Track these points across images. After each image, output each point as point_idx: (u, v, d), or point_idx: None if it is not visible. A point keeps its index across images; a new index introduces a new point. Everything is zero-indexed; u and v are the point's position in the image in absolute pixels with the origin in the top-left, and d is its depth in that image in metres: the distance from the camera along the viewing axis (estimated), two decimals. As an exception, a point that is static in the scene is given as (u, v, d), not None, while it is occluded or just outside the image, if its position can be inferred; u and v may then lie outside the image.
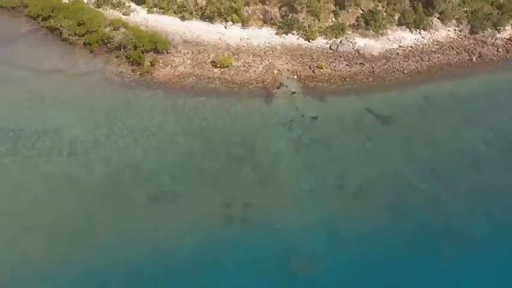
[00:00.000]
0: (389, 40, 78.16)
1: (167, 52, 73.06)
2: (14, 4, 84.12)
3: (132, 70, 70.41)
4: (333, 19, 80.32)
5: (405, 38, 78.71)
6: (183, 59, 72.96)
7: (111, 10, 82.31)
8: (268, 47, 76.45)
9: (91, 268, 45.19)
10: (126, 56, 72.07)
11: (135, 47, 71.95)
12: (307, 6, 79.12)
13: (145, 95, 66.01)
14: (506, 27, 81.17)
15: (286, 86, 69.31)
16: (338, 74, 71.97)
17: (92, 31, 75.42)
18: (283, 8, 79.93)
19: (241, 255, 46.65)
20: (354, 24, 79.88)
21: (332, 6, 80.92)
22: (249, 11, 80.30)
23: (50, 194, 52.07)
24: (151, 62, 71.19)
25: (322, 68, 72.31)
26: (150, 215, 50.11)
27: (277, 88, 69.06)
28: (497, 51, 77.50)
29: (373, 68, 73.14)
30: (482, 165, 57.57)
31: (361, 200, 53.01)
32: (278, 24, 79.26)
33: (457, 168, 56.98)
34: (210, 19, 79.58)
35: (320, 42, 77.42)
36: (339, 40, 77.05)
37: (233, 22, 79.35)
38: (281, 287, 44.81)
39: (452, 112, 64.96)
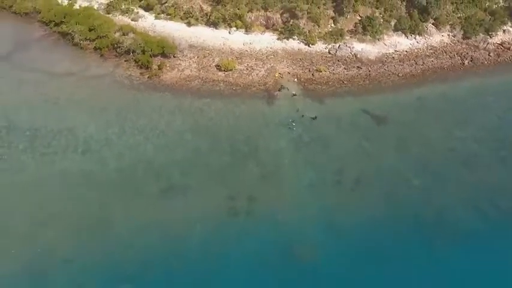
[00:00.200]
0: (386, 45, 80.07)
1: (174, 56, 75.05)
2: (27, 10, 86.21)
3: (141, 73, 72.57)
4: (332, 25, 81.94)
5: (401, 43, 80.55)
6: (189, 62, 74.95)
7: (120, 16, 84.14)
8: (270, 51, 78.19)
9: (107, 254, 47.91)
10: (135, 60, 74.08)
11: (143, 52, 74.09)
12: (307, 13, 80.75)
13: (154, 97, 68.20)
14: (498, 33, 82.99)
15: (287, 88, 71.11)
16: (336, 77, 73.81)
17: (102, 36, 77.63)
18: (284, 15, 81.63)
19: (246, 244, 49.20)
20: (352, 29, 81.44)
21: (331, 13, 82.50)
22: (252, 17, 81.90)
23: (66, 188, 54.57)
24: (159, 66, 73.29)
25: (321, 72, 74.25)
26: (161, 206, 52.78)
27: (279, 90, 70.96)
28: (489, 55, 79.59)
29: (369, 71, 75.09)
30: (473, 162, 59.87)
31: (358, 193, 55.44)
32: (280, 29, 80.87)
33: (448, 165, 59.26)
34: (214, 25, 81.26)
35: (319, 47, 79.18)
36: (337, 45, 78.79)
37: (237, 28, 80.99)
38: (283, 273, 47.03)
39: (445, 112, 67.13)
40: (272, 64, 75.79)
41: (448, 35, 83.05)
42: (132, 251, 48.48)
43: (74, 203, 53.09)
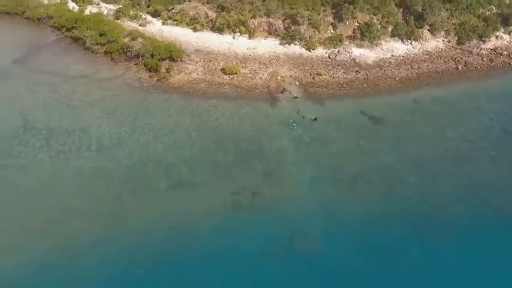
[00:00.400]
0: (383, 50, 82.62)
1: (181, 60, 78.10)
2: (40, 16, 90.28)
3: (150, 76, 75.75)
4: (332, 31, 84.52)
5: (397, 48, 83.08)
6: (196, 66, 77.90)
7: (128, 22, 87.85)
8: (273, 56, 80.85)
9: (122, 243, 51.02)
10: (144, 64, 77.41)
11: (152, 56, 77.42)
12: (308, 19, 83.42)
13: (163, 98, 71.26)
14: (491, 39, 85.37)
15: (289, 91, 73.73)
16: (336, 80, 76.41)
17: (112, 41, 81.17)
18: (286, 21, 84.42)
19: (250, 235, 52.05)
20: (350, 35, 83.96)
21: (331, 19, 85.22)
22: (255, 23, 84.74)
23: (82, 183, 57.79)
24: (167, 69, 76.45)
25: (321, 75, 76.81)
26: (170, 200, 55.89)
27: (281, 93, 73.57)
28: (482, 60, 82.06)
29: (367, 75, 77.60)
30: (464, 161, 62.44)
31: (355, 189, 58.26)
32: (282, 35, 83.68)
33: (441, 163, 61.83)
34: (219, 30, 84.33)
35: (320, 51, 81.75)
36: (336, 50, 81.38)
37: (241, 33, 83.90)
38: (285, 262, 49.75)
39: (439, 114, 69.70)
40: (274, 68, 78.47)
41: (443, 40, 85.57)
42: (145, 241, 51.46)
43: (89, 198, 56.23)
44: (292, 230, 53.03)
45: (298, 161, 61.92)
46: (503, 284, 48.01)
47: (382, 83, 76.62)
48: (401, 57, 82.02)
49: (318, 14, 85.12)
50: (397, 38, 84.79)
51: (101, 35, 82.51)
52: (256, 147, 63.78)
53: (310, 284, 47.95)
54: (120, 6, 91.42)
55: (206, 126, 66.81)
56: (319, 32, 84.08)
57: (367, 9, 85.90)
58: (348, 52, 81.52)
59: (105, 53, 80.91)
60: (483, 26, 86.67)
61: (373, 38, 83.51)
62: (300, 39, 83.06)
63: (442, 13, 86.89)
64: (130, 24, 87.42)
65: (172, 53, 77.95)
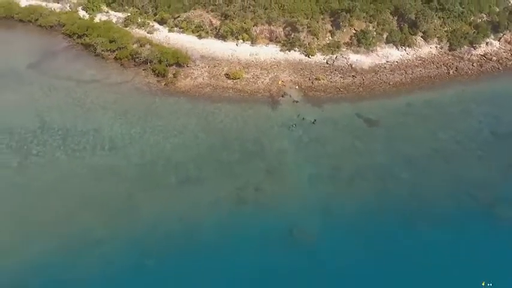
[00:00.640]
0: (378, 56, 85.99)
1: (187, 66, 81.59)
2: (52, 23, 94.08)
3: (158, 81, 79.38)
4: (330, 38, 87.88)
5: (392, 54, 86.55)
6: (201, 71, 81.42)
7: (136, 29, 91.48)
8: (274, 61, 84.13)
9: (134, 234, 54.81)
10: (152, 69, 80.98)
11: (160, 61, 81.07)
12: (307, 27, 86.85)
13: (170, 102, 74.95)
14: (481, 45, 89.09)
15: (289, 95, 77.14)
16: (333, 85, 79.81)
17: (122, 47, 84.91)
18: (286, 28, 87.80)
19: (253, 226, 55.82)
20: (347, 42, 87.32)
21: (329, 27, 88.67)
22: (257, 31, 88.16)
23: (96, 179, 61.66)
24: (174, 74, 80.00)
25: (320, 80, 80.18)
26: (179, 195, 59.73)
27: (282, 96, 76.93)
28: (472, 65, 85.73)
29: (363, 80, 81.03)
30: (453, 160, 66.15)
31: (351, 185, 62.00)
32: (282, 42, 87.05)
33: (431, 162, 65.56)
34: (223, 38, 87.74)
35: (318, 57, 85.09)
36: (334, 56, 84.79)
37: (243, 40, 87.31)
38: (285, 252, 53.38)
39: (430, 117, 73.37)
40: (276, 73, 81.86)
41: (436, 46, 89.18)
42: (155, 232, 55.26)
43: (103, 193, 60.08)
44: (291, 222, 56.81)
45: (297, 160, 65.58)
46: (485, 267, 51.53)
47: (377, 87, 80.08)
48: (396, 63, 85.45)
49: (317, 22, 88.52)
50: (391, 44, 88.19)
51: (110, 42, 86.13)
52: (258, 147, 67.40)
53: (308, 270, 51.67)
54: (129, 14, 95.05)
55: (211, 127, 70.43)
56: (317, 39, 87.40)
57: (364, 17, 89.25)
58: (345, 58, 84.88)
59: (115, 59, 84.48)
60: (474, 33, 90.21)
61: (369, 44, 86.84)
62: (300, 46, 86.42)
63: (435, 21, 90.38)
64: (138, 32, 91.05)
65: (179, 59, 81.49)
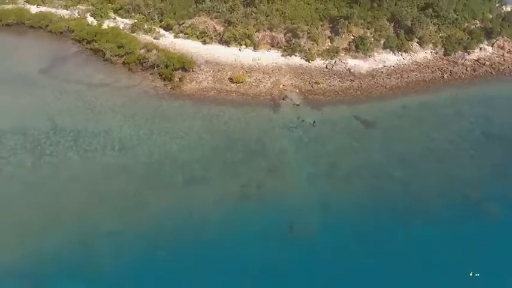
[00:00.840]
0: (376, 61, 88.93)
1: (192, 70, 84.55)
2: (61, 29, 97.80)
3: (165, 85, 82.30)
4: (329, 43, 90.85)
5: (389, 59, 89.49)
6: (206, 76, 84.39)
7: (143, 35, 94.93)
8: (275, 66, 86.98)
9: (144, 229, 57.52)
10: (159, 73, 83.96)
11: (166, 66, 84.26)
12: (307, 33, 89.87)
13: (176, 105, 77.89)
14: (475, 50, 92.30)
15: (290, 98, 79.90)
16: (332, 88, 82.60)
17: (130, 52, 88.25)
18: (287, 34, 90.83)
19: (256, 221, 58.51)
20: (346, 47, 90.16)
21: (328, 33, 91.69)
22: (259, 37, 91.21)
23: (107, 178, 64.67)
24: (179, 78, 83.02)
25: (319, 84, 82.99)
26: (186, 192, 62.53)
27: (283, 100, 79.69)
28: (466, 70, 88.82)
29: (361, 83, 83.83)
30: (446, 159, 68.80)
31: (349, 183, 64.71)
32: (283, 47, 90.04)
33: (425, 161, 68.23)
34: (227, 43, 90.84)
35: (318, 62, 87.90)
36: (333, 61, 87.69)
37: (246, 46, 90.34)
38: (285, 246, 56.21)
39: (425, 118, 76.23)
40: (277, 77, 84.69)
41: (431, 52, 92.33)
42: (164, 227, 58.25)
43: (114, 191, 63.10)
44: (292, 217, 59.67)
45: (297, 159, 68.46)
46: (473, 259, 54.56)
47: (374, 91, 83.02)
48: (392, 68, 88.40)
49: (317, 28, 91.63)
50: (388, 49, 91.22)
51: (119, 47, 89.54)
52: (260, 147, 70.35)
53: (307, 262, 54.73)
54: (135, 20, 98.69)
55: (216, 129, 73.41)
56: (317, 44, 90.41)
57: (361, 23, 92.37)
58: (344, 63, 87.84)
59: (123, 63, 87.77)
60: (468, 38, 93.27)
61: (367, 50, 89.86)
62: (300, 51, 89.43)
63: (430, 27, 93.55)
64: (145, 37, 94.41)
65: (184, 64, 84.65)
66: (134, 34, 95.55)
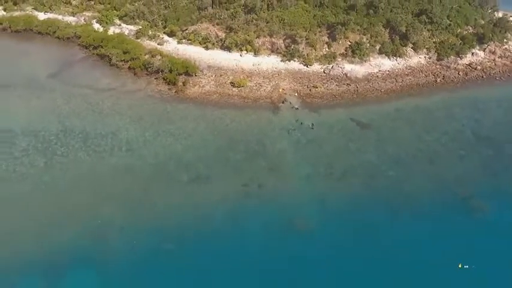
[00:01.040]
0: (371, 66, 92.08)
1: (195, 75, 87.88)
2: (69, 35, 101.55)
3: (169, 89, 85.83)
4: (327, 49, 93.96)
5: (384, 64, 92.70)
6: (208, 80, 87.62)
7: (147, 41, 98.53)
8: (275, 71, 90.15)
9: (152, 224, 61.16)
10: (163, 78, 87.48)
11: (170, 71, 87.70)
12: (306, 39, 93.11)
13: (180, 108, 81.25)
14: (467, 55, 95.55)
15: (289, 101, 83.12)
16: (329, 92, 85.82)
17: (135, 58, 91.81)
18: (286, 40, 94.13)
19: (257, 217, 62.08)
20: (343, 53, 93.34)
21: (326, 39, 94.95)
22: (260, 43, 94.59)
23: (115, 177, 68.23)
24: (183, 83, 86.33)
25: (317, 88, 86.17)
26: (190, 190, 65.95)
27: (282, 103, 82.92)
28: (458, 74, 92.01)
29: (357, 87, 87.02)
30: (436, 159, 72.04)
31: (345, 181, 68.05)
32: (283, 53, 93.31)
33: (417, 161, 71.50)
34: (228, 49, 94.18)
35: (316, 67, 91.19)
36: (331, 66, 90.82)
37: (247, 51, 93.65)
38: (285, 239, 59.46)
39: (417, 121, 79.56)
40: (277, 81, 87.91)
41: (425, 57, 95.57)
42: (171, 222, 61.74)
43: (122, 189, 66.63)
44: (291, 212, 63.17)
45: (296, 159, 71.78)
46: (461, 252, 57.86)
47: (370, 94, 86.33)
48: (387, 72, 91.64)
49: (315, 34, 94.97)
50: (384, 55, 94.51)
51: (124, 53, 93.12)
52: (261, 147, 73.68)
53: (306, 253, 58.00)
54: (140, 27, 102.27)
55: (218, 130, 76.70)
56: (315, 50, 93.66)
57: (358, 30, 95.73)
58: (341, 67, 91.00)
59: (129, 68, 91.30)
60: (460, 44, 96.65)
61: (363, 55, 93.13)
62: (299, 57, 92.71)
63: (424, 33, 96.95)
64: (149, 43, 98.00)
65: (188, 69, 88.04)
66: (139, 40, 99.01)
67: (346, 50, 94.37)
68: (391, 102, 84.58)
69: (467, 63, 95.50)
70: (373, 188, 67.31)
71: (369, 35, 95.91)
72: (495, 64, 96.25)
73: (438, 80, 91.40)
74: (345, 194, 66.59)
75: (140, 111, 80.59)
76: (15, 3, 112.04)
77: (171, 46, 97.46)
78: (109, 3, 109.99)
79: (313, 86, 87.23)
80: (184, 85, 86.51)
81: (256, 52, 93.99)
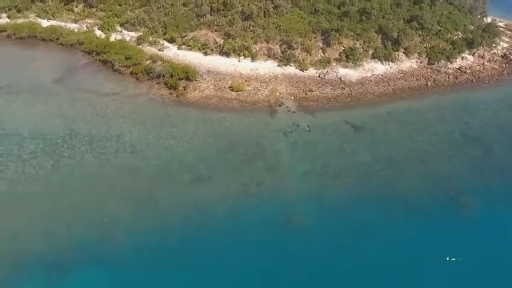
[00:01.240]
0: (365, 70, 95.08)
1: (195, 79, 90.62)
2: (72, 42, 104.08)
3: (170, 93, 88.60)
4: (321, 54, 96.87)
5: (377, 68, 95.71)
6: (208, 84, 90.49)
7: (148, 47, 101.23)
8: (272, 75, 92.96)
9: (156, 221, 63.97)
10: (164, 83, 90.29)
11: (171, 76, 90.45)
12: (301, 44, 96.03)
13: (181, 111, 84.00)
14: (457, 59, 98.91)
15: (286, 105, 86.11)
16: (324, 95, 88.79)
17: (137, 63, 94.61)
18: (283, 46, 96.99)
19: (256, 215, 64.97)
20: (337, 58, 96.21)
21: (320, 44, 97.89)
22: (257, 48, 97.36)
23: (121, 177, 70.92)
24: (184, 87, 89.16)
25: (312, 92, 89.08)
26: (192, 190, 68.76)
27: (279, 106, 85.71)
28: (448, 78, 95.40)
29: (351, 91, 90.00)
30: (428, 159, 75.16)
31: (339, 180, 71.11)
32: (279, 58, 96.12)
33: (409, 161, 74.61)
34: (226, 54, 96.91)
35: (311, 72, 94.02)
36: (325, 70, 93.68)
37: (245, 57, 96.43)
38: (283, 235, 62.50)
39: (409, 122, 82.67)
40: (273, 86, 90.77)
41: (416, 61, 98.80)
42: (174, 219, 64.78)
43: (127, 189, 69.47)
44: (289, 210, 66.15)
45: (293, 160, 74.80)
46: (450, 245, 61.19)
47: (363, 98, 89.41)
48: (380, 76, 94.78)
49: (310, 40, 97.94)
50: (376, 59, 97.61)
51: (126, 59, 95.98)
52: (259, 149, 76.57)
53: (303, 248, 61.16)
54: (141, 33, 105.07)
55: (218, 133, 79.55)
56: (310, 55, 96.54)
57: (351, 35, 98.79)
58: (335, 72, 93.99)
59: (131, 73, 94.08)
60: (450, 48, 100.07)
61: (356, 60, 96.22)
62: (295, 61, 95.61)
63: (415, 38, 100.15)
64: (150, 49, 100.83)
65: (188, 74, 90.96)
66: (140, 46, 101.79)
67: (340, 55, 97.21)
68: (384, 105, 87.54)
69: (457, 67, 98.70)
70: (367, 186, 70.23)
71: (362, 41, 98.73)
72: (484, 68, 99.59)
73: (429, 83, 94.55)
74: (340, 192, 69.65)
75: (143, 115, 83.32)
76: (18, 11, 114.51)
77: (171, 52, 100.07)
78: (110, 11, 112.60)
79: (308, 90, 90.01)
80: (184, 89, 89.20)
81: (253, 57, 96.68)
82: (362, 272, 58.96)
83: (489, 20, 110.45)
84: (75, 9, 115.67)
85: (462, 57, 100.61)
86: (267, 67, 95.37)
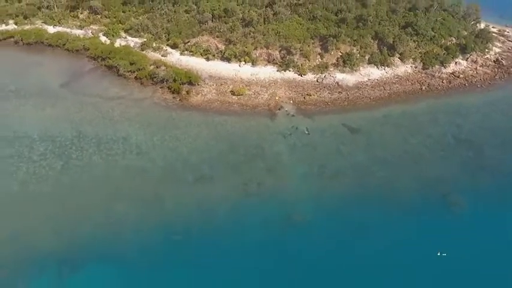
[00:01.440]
0: (361, 75, 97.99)
1: (198, 84, 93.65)
2: (78, 48, 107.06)
3: (173, 97, 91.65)
4: (319, 59, 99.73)
5: (373, 73, 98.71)
6: (210, 89, 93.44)
7: (152, 53, 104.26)
8: (272, 80, 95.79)
9: (162, 219, 67.34)
10: (168, 87, 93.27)
11: (174, 80, 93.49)
12: (300, 50, 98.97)
13: (184, 114, 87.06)
14: (451, 64, 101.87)
15: (286, 109, 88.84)
16: (322, 99, 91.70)
17: (141, 68, 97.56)
18: (282, 51, 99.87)
19: (256, 213, 68.06)
20: (334, 63, 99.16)
21: (318, 50, 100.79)
22: (257, 54, 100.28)
23: (128, 177, 74.15)
24: (187, 91, 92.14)
25: (311, 96, 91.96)
26: (196, 189, 71.97)
27: (278, 110, 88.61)
28: (442, 82, 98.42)
29: (348, 95, 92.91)
30: (421, 160, 78.25)
31: (337, 180, 74.11)
32: (278, 63, 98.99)
33: (403, 162, 77.70)
34: (228, 60, 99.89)
35: (310, 76, 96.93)
36: (323, 75, 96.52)
37: (245, 62, 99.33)
38: (283, 232, 65.54)
39: (403, 125, 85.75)
40: (273, 90, 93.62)
41: (411, 66, 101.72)
42: (178, 217, 68.04)
43: (134, 188, 72.63)
44: (288, 208, 69.25)
45: (292, 161, 77.81)
46: (440, 241, 64.41)
47: (360, 101, 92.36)
48: (376, 81, 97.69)
49: (308, 46, 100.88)
50: (373, 64, 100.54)
51: (131, 64, 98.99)
52: (259, 150, 79.58)
53: (301, 244, 64.25)
54: (144, 39, 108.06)
55: (220, 135, 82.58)
56: (309, 60, 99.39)
57: (348, 41, 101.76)
58: (333, 77, 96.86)
59: (136, 78, 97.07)
60: (444, 54, 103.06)
61: (353, 65, 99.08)
62: (294, 67, 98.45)
63: (410, 44, 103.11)
64: (153, 55, 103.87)
65: (191, 79, 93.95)
66: (144, 52, 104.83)
67: (337, 61, 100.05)
68: (380, 108, 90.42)
69: (450, 72, 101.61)
70: (363, 186, 73.26)
71: (358, 46, 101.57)
72: (477, 73, 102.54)
73: (423, 87, 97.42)
74: (337, 191, 72.72)
75: (148, 118, 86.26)
76: (25, 17, 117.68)
77: (174, 57, 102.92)
78: (114, 17, 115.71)
79: (307, 94, 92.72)
80: (187, 93, 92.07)
81: (253, 63, 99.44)
82: (358, 267, 61.92)
83: (482, 25, 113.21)
84: (81, 16, 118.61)
85: (456, 62, 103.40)
86: (266, 72, 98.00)
